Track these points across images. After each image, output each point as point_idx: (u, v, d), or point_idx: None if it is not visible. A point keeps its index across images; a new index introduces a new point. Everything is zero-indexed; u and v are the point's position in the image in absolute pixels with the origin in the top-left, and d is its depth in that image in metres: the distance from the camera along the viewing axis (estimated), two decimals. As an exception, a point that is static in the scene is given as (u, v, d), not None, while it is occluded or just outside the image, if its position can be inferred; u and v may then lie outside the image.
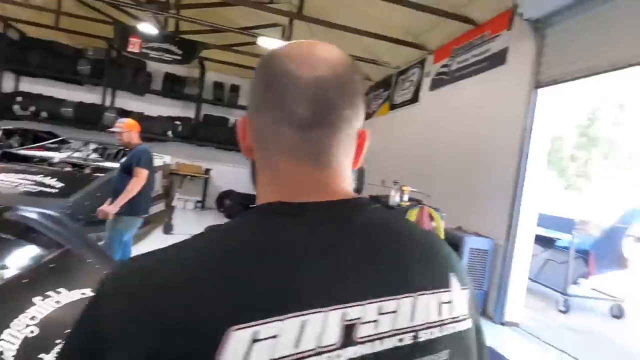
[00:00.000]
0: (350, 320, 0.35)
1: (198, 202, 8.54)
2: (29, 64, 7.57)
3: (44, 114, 7.63)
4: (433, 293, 0.40)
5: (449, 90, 4.60)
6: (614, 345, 3.26)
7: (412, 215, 3.06)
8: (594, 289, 4.19)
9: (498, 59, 3.77)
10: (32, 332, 1.04)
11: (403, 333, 0.37)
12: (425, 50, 5.15)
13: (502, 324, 3.32)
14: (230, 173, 8.01)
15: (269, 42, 5.46)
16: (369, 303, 0.36)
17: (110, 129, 3.14)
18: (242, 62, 7.26)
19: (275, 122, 0.42)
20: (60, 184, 3.59)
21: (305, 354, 0.32)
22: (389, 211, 0.45)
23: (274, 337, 0.31)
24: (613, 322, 3.85)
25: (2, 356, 0.96)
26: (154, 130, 7.85)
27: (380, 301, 0.37)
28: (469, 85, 4.20)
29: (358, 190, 3.58)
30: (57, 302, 1.19)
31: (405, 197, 3.39)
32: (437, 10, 4.11)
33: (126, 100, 8.29)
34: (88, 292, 1.26)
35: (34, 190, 3.42)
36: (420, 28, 4.84)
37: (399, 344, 0.36)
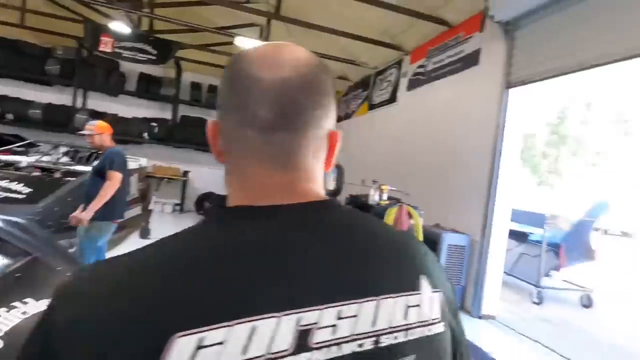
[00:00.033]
0: (305, 325, 0.34)
1: (176, 205, 8.36)
2: (-7, 63, 7.21)
3: (9, 116, 7.29)
4: (399, 296, 0.39)
5: (425, 91, 4.69)
6: (584, 334, 3.42)
7: (391, 214, 3.10)
8: (565, 281, 4.37)
9: (471, 59, 3.87)
10: (-4, 345, 1.00)
11: (363, 338, 0.36)
12: (402, 51, 5.24)
13: (480, 317, 3.42)
14: (209, 175, 7.88)
15: (246, 42, 5.41)
16: (328, 307, 0.35)
17: (81, 132, 3.03)
18: (219, 62, 7.16)
19: (240, 125, 0.42)
20: (28, 190, 3.44)
21: None
22: (361, 213, 0.44)
23: (220, 343, 0.30)
24: (583, 312, 4.03)
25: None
26: (129, 132, 7.63)
27: (340, 305, 0.36)
28: (445, 85, 4.29)
29: (337, 189, 3.60)
30: (24, 312, 1.14)
31: (385, 196, 3.43)
32: (412, 12, 4.18)
33: (99, 102, 8.02)
34: (57, 302, 1.21)
35: (-1, 197, 3.26)
36: (397, 29, 4.92)
37: (359, 349, 0.35)
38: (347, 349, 0.35)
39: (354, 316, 0.36)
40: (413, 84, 4.98)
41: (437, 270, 0.46)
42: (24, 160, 4.55)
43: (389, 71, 5.76)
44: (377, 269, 0.40)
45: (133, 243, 4.71)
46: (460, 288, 3.52)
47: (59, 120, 7.43)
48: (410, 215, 3.16)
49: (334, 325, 0.35)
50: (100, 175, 2.87)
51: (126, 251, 0.38)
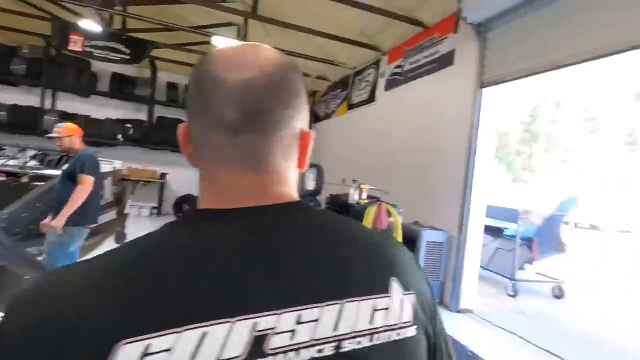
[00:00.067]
0: (261, 330, 0.33)
1: (154, 208, 8.15)
2: (-48, 63, 6.82)
3: (-29, 118, 6.91)
4: (366, 299, 0.38)
5: (402, 90, 4.76)
6: (557, 324, 3.56)
7: (371, 212, 3.13)
8: (538, 273, 4.54)
9: (446, 60, 3.96)
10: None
11: (324, 343, 0.35)
12: (379, 51, 5.30)
13: (458, 311, 3.50)
14: (188, 177, 7.72)
15: (223, 42, 5.34)
16: (286, 312, 0.34)
17: (49, 135, 2.91)
18: (196, 62, 7.02)
19: (206, 127, 0.42)
20: (-8, 195, 3.27)
21: None
22: (335, 215, 0.48)
23: (167, 350, 0.30)
24: (555, 303, 4.19)
25: None
26: (102, 134, 7.38)
27: (300, 309, 0.35)
28: (421, 85, 4.37)
29: (317, 189, 3.61)
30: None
31: (364, 195, 3.46)
32: (388, 13, 4.24)
33: (69, 103, 7.72)
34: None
35: (-39, 203, 3.08)
36: (373, 29, 4.97)
37: (318, 354, 0.34)
38: (306, 354, 0.34)
39: (315, 320, 0.35)
40: (391, 84, 5.04)
41: (412, 272, 0.44)
42: (-13, 164, 4.33)
43: (367, 71, 5.82)
44: (343, 271, 0.39)
45: (108, 248, 4.54)
46: (439, 283, 3.60)
47: (26, 122, 7.10)
48: (389, 214, 3.20)
49: (292, 330, 0.34)
50: (70, 179, 2.76)
51: None
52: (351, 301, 0.37)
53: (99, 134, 7.25)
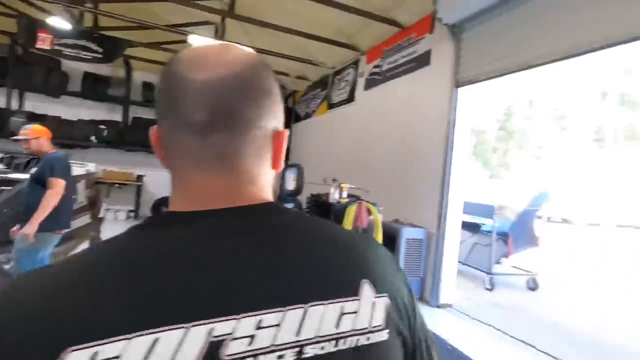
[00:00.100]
0: (218, 336, 0.32)
1: (130, 211, 7.93)
2: None
3: None
4: (332, 303, 0.37)
5: (381, 90, 4.81)
6: (531, 316, 3.68)
7: (351, 211, 3.16)
8: (513, 267, 4.69)
9: (423, 60, 4.03)
10: None
11: (285, 349, 0.34)
12: (358, 51, 5.33)
13: (438, 306, 3.58)
14: (165, 179, 7.40)
15: (200, 41, 5.24)
16: (246, 316, 0.33)
17: (15, 137, 2.78)
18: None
19: (175, 129, 0.41)
20: (-46, 201, 3.10)
21: None
22: (309, 216, 0.47)
23: (115, 357, 0.29)
24: (529, 294, 4.34)
25: None
26: (74, 135, 7.12)
27: (261, 314, 0.34)
28: (400, 84, 4.44)
29: (298, 189, 3.60)
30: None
31: (344, 194, 3.48)
32: (366, 13, 4.27)
33: (38, 103, 7.39)
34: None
35: None
36: (352, 29, 5.00)
37: None
38: None
39: (276, 325, 0.34)
40: (370, 84, 5.09)
41: (387, 273, 0.43)
42: (-51, 169, 4.10)
43: (346, 71, 5.85)
44: (309, 274, 0.38)
45: (82, 254, 4.39)
46: (419, 280, 3.66)
47: (-8, 123, 6.76)
48: (369, 212, 3.23)
49: (251, 336, 0.33)
50: (40, 183, 2.65)
51: None
52: (316, 305, 0.36)
53: (71, 135, 6.99)
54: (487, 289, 4.27)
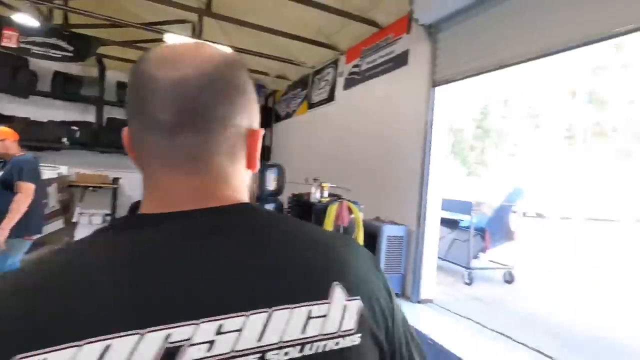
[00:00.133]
0: (175, 342, 0.31)
1: (106, 215, 7.68)
2: None
3: None
4: (299, 306, 0.36)
5: (361, 89, 4.85)
6: (508, 307, 3.80)
7: (332, 210, 3.17)
8: (490, 261, 4.83)
9: (401, 60, 4.09)
10: None
11: (245, 355, 0.33)
12: (338, 50, 5.35)
13: (419, 302, 3.64)
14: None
15: (176, 39, 5.13)
16: (206, 321, 0.32)
17: (-22, 140, 2.65)
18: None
19: (144, 129, 0.40)
20: None
21: None
22: (281, 216, 0.47)
23: None
24: (506, 287, 4.48)
25: None
26: (45, 137, 6.84)
27: (222, 318, 0.33)
28: (378, 84, 4.48)
29: (279, 189, 3.58)
30: None
31: (325, 193, 3.48)
32: (345, 13, 4.29)
33: (4, 104, 7.06)
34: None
35: None
36: (331, 29, 5.01)
37: None
38: None
39: (238, 330, 0.33)
40: (349, 83, 5.12)
41: (364, 275, 0.42)
42: None
43: (326, 70, 5.86)
44: (277, 277, 0.37)
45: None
46: (400, 276, 3.71)
47: (-46, 126, 6.41)
48: (350, 211, 3.25)
49: (211, 342, 0.32)
50: (7, 188, 2.55)
51: None
52: (282, 309, 0.35)
53: (41, 137, 6.72)
54: (466, 284, 4.38)
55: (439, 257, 3.98)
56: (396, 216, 3.88)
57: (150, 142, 0.40)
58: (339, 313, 0.37)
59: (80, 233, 5.09)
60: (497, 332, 3.03)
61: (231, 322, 0.33)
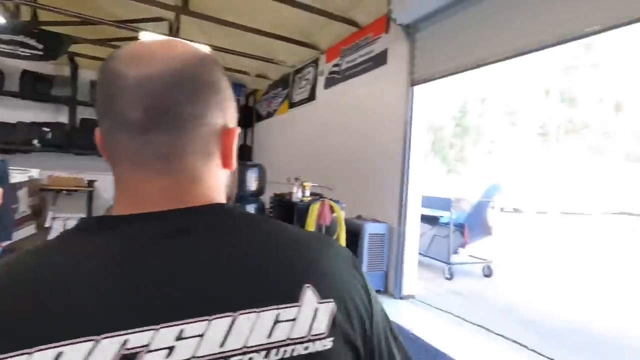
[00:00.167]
0: (132, 348, 0.30)
1: (82, 219, 7.44)
2: None
3: None
4: (266, 310, 0.34)
5: (341, 88, 4.87)
6: (487, 301, 3.91)
7: (314, 209, 3.17)
8: (470, 255, 4.95)
9: (380, 59, 4.13)
10: None
11: None
12: (318, 49, 5.36)
13: (401, 298, 3.69)
14: (120, 183, 7.14)
15: (152, 38, 5.01)
16: (165, 327, 0.31)
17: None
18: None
19: (113, 128, 0.39)
20: None
21: None
22: (255, 216, 0.43)
23: None
24: (485, 281, 4.60)
25: None
26: (14, 139, 6.56)
27: (183, 323, 0.32)
28: (358, 83, 4.51)
29: (260, 189, 3.56)
30: None
31: (307, 193, 3.48)
32: (324, 12, 4.29)
33: (-30, 105, 6.73)
34: None
35: None
36: (311, 28, 5.01)
37: None
38: None
39: (199, 336, 0.32)
40: (330, 83, 5.13)
41: (340, 276, 0.41)
42: None
43: (306, 69, 5.86)
44: (245, 279, 0.36)
45: (26, 268, 4.06)
46: (382, 273, 3.76)
47: None
48: (332, 210, 3.26)
49: (170, 347, 0.31)
50: (-28, 192, 2.42)
51: None
52: (247, 313, 0.34)
53: (10, 139, 6.44)
54: (447, 278, 4.47)
55: (420, 254, 4.04)
56: (378, 214, 3.92)
57: (120, 141, 0.39)
58: (309, 316, 0.36)
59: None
60: (476, 324, 3.11)
61: (192, 327, 0.32)
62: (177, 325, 0.31)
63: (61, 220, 6.97)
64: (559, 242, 8.58)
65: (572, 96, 20.61)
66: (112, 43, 6.20)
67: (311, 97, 5.62)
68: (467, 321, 3.19)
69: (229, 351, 0.32)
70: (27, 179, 4.54)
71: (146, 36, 5.09)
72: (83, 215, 7.44)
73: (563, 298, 4.14)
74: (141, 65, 0.38)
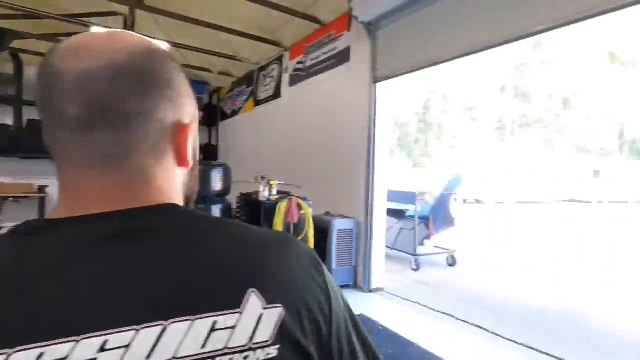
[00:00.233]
0: None
1: (21, 223, 6.94)
2: None
3: None
4: (202, 317, 0.32)
5: (306, 86, 4.86)
6: (452, 289, 4.08)
7: (282, 208, 3.15)
8: (435, 246, 5.13)
9: (344, 56, 4.16)
10: None
11: None
12: (281, 47, 5.32)
13: (370, 291, 3.76)
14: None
15: (106, 33, 4.75)
16: (87, 337, 0.29)
17: None
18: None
19: (53, 127, 0.37)
20: None
21: None
22: (205, 217, 0.40)
23: None
24: (449, 270, 4.79)
25: None
26: (-49, 143, 5.99)
27: (107, 334, 0.30)
28: (323, 80, 4.53)
29: (225, 189, 3.49)
30: None
31: (274, 191, 3.46)
32: (285, 8, 4.26)
33: None
34: None
35: None
36: (274, 25, 4.95)
37: None
38: None
39: (124, 347, 0.30)
40: (294, 80, 5.11)
41: (294, 278, 0.39)
42: None
43: (271, 67, 5.79)
44: (181, 285, 0.34)
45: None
46: (351, 268, 3.81)
47: None
48: (300, 207, 3.26)
49: None
50: None
51: None
52: (180, 321, 0.32)
53: (-54, 143, 5.87)
54: (414, 270, 4.61)
55: (387, 247, 4.13)
56: (345, 210, 3.96)
57: (59, 140, 0.37)
58: (251, 324, 0.34)
59: (2, 249, 4.55)
60: (442, 312, 3.23)
61: (118, 338, 0.30)
62: (101, 335, 0.30)
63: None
64: (517, 230, 9.10)
65: (525, 92, 21.90)
66: (61, 38, 5.79)
67: (276, 94, 5.58)
68: (433, 310, 3.31)
69: None
70: (-33, 186, 4.17)
71: (99, 31, 4.82)
72: (35, 223, 6.95)
73: (521, 283, 4.40)
74: (80, 59, 0.36)
